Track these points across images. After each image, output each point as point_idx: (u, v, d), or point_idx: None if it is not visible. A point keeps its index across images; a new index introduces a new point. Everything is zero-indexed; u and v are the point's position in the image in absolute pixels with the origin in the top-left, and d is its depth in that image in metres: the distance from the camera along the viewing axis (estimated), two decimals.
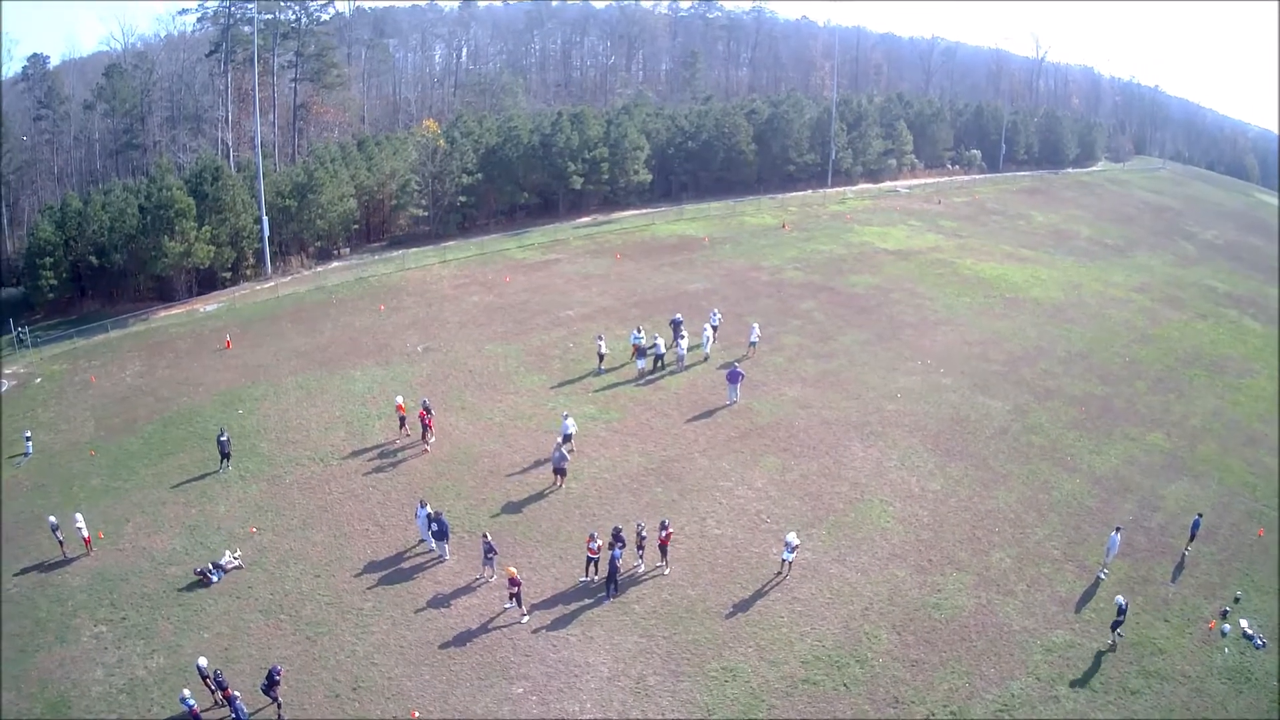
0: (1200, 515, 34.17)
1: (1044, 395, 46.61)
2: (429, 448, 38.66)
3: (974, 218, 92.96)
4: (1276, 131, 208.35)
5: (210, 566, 30.49)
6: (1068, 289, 66.97)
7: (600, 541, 30.08)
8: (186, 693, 24.25)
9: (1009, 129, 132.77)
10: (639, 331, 46.99)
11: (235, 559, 31.06)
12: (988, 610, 29.90)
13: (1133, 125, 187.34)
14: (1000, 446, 40.90)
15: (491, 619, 28.75)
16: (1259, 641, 29.31)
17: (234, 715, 23.94)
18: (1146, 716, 26.04)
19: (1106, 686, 26.94)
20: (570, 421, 38.19)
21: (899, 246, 75.64)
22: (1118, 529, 32.54)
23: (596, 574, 30.35)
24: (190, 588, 30.02)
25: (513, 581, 28.40)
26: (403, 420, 39.32)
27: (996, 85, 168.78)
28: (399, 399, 39.99)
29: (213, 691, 24.94)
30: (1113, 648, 28.74)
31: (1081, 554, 33.14)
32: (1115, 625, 28.84)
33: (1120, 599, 29.02)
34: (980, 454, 40.06)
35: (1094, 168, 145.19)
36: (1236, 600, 31.21)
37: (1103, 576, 31.81)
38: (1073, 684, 26.95)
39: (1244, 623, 30.02)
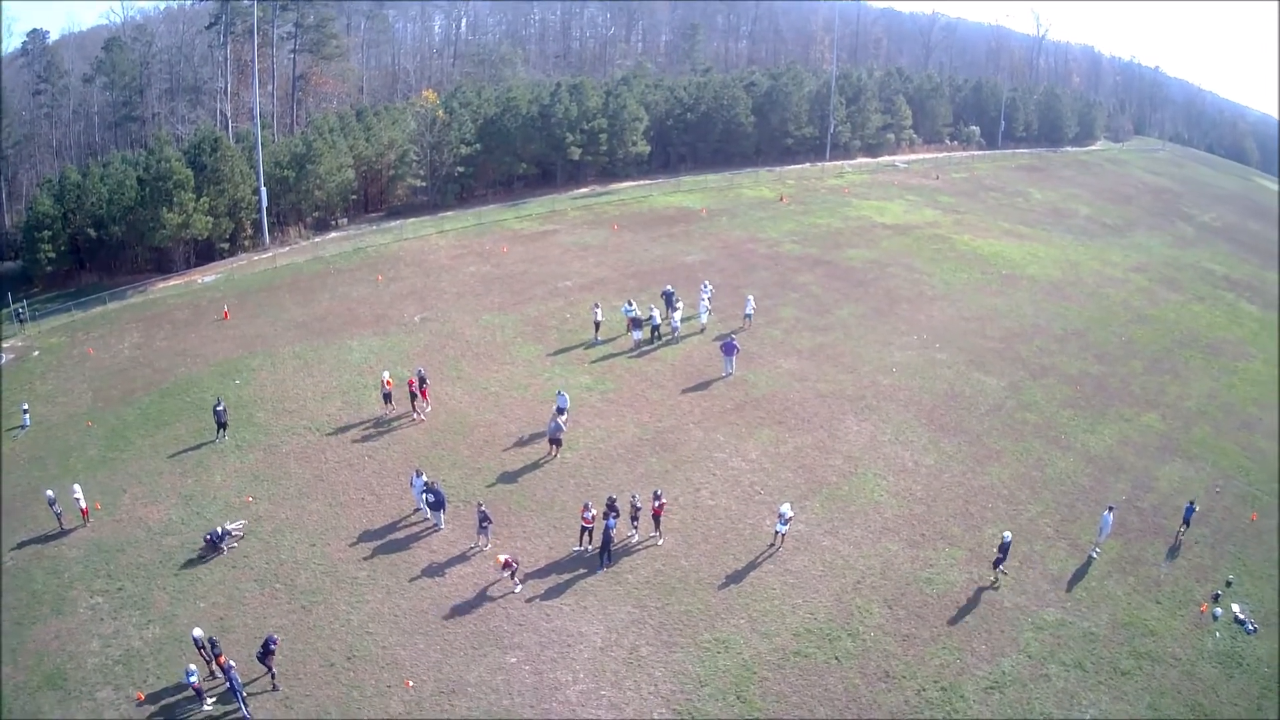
0: (1192, 503, 33.64)
1: (1039, 373, 46.67)
2: (423, 417, 38.72)
3: (972, 194, 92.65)
4: (1277, 116, 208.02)
5: (220, 531, 30.50)
6: (1065, 267, 66.84)
7: (595, 511, 30.21)
8: (192, 667, 24.25)
9: (1008, 106, 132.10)
10: (630, 304, 46.96)
11: (238, 529, 31.16)
12: (979, 586, 30.09)
13: (1132, 105, 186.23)
14: (994, 423, 40.99)
15: (486, 588, 28.92)
16: (1250, 626, 29.46)
17: (228, 685, 24.05)
18: (1136, 698, 26.21)
19: (1097, 666, 27.10)
20: (565, 396, 38.21)
21: (896, 221, 75.36)
22: (1110, 508, 32.62)
23: (590, 544, 30.50)
24: (190, 562, 30.05)
25: (505, 565, 28.42)
26: (388, 395, 38.81)
27: (996, 62, 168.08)
28: (385, 374, 39.61)
29: (207, 662, 25.05)
30: (995, 585, 29.75)
31: (1074, 532, 33.28)
32: (997, 563, 29.59)
33: (1007, 534, 29.75)
34: (974, 430, 40.16)
35: (1093, 147, 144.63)
36: (1229, 584, 31.32)
37: (1095, 555, 31.96)
38: (1064, 663, 27.13)
39: (1235, 607, 30.19)
